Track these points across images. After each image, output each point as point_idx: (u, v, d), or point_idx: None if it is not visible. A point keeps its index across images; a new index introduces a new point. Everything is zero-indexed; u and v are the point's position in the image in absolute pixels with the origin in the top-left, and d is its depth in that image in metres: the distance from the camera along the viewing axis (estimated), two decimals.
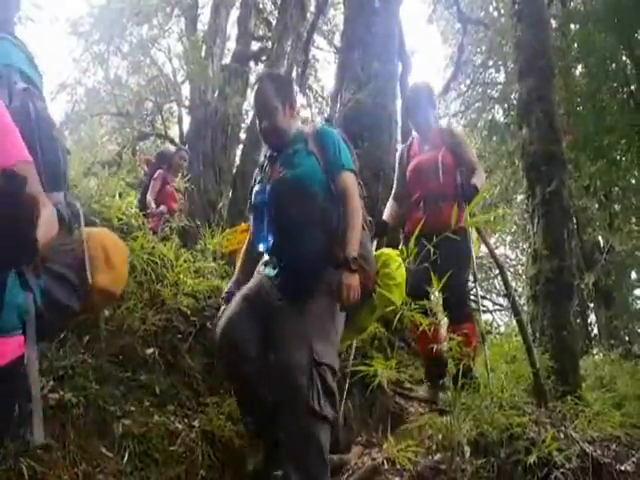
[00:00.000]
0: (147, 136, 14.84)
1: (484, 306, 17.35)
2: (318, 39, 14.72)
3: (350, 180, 2.33)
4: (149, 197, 6.07)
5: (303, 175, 2.28)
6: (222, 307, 2.47)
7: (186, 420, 2.52)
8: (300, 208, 2.20)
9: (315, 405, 1.91)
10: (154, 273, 3.00)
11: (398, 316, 2.50)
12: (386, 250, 2.63)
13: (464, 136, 3.90)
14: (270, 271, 2.32)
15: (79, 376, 2.31)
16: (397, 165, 4.04)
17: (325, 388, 1.95)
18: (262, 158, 2.60)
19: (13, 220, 1.10)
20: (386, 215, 3.90)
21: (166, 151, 7.45)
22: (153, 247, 3.04)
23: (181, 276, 3.18)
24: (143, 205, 5.90)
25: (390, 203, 3.96)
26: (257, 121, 2.51)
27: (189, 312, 2.96)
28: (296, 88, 2.62)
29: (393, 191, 3.99)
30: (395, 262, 2.53)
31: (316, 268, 2.18)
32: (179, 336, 2.88)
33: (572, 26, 10.42)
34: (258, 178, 2.48)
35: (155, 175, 6.29)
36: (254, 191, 2.39)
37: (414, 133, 4.07)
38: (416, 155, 3.85)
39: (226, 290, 2.55)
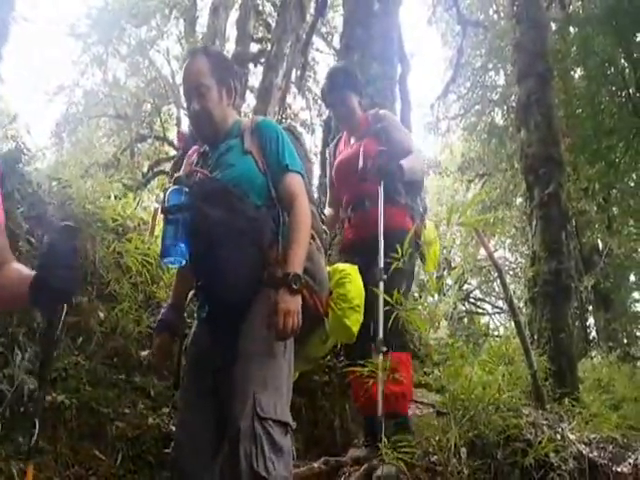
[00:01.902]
0: (145, 138, 14.84)
1: (483, 309, 17.45)
2: (317, 41, 14.72)
3: (296, 183, 1.93)
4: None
5: (234, 178, 1.88)
6: (155, 340, 2.06)
7: None
8: (224, 217, 1.79)
9: (261, 470, 1.57)
10: (149, 274, 2.99)
11: (393, 316, 2.35)
12: (342, 266, 2.19)
13: (394, 119, 3.12)
14: (201, 313, 1.95)
15: (72, 378, 2.30)
16: (328, 166, 3.36)
17: (273, 446, 1.61)
18: (194, 156, 2.21)
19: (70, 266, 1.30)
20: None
21: None
22: (148, 248, 3.03)
23: None
24: None
25: (327, 211, 3.30)
26: (186, 103, 2.08)
27: (185, 314, 2.94)
28: (238, 72, 2.11)
29: (327, 197, 3.33)
30: (353, 280, 2.13)
31: (242, 290, 1.79)
32: (174, 338, 2.86)
33: (571, 29, 10.45)
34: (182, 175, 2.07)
35: (190, 151, 5.97)
36: (168, 191, 1.93)
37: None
38: (342, 151, 3.18)
39: (159, 318, 2.09)
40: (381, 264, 2.57)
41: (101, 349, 2.54)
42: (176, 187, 1.90)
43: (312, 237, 1.97)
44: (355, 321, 2.07)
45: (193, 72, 2.02)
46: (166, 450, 2.32)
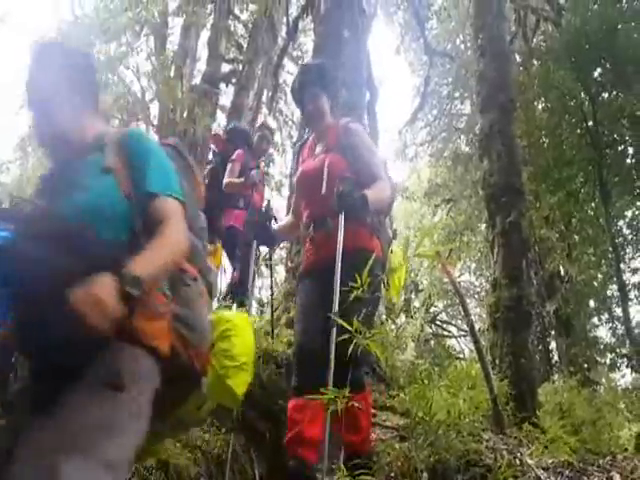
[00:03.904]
0: None
1: (449, 331, 17.63)
2: (288, 64, 14.92)
3: (169, 208, 1.51)
4: (227, 180, 4.58)
5: (86, 205, 1.43)
6: None
7: None
8: (57, 261, 1.29)
9: None
10: None
11: (353, 344, 2.13)
12: (228, 314, 1.84)
13: (365, 135, 2.85)
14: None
15: None
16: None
17: None
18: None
19: None
20: (278, 226, 3.04)
21: (241, 127, 5.48)
22: None
23: None
24: (214, 192, 4.49)
25: (286, 217, 3.08)
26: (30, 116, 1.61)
27: None
28: (94, 70, 1.71)
29: (292, 207, 3.04)
30: (240, 333, 1.77)
31: (80, 354, 1.29)
32: None
33: (535, 62, 10.87)
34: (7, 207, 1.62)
35: (234, 156, 4.68)
36: None
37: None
38: (306, 159, 2.89)
39: None
40: (336, 300, 2.29)
41: None
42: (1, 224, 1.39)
43: (194, 279, 1.59)
44: (241, 382, 1.74)
45: (36, 74, 1.58)
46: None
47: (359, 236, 2.52)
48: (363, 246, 2.50)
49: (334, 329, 2.22)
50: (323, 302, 2.17)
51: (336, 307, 2.28)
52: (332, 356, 2.21)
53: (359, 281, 2.19)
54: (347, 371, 2.16)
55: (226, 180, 4.59)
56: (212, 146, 5.51)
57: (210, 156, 5.62)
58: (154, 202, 1.50)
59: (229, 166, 4.65)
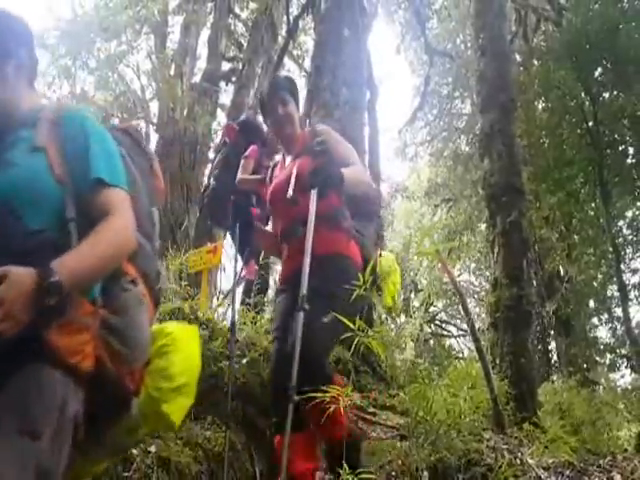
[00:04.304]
0: None
1: (448, 331, 17.65)
2: (288, 63, 14.90)
3: (116, 199, 1.35)
4: (240, 176, 4.38)
5: (10, 185, 1.27)
6: None
7: (142, 445, 2.44)
8: None
9: None
10: None
11: (356, 341, 2.11)
12: (170, 327, 1.58)
13: (334, 133, 2.63)
14: None
15: None
16: None
17: None
18: None
19: None
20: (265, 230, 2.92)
21: (254, 120, 5.19)
22: None
23: None
24: (225, 186, 4.36)
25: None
26: None
27: None
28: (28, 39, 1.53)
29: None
30: (180, 349, 1.51)
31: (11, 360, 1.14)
32: None
33: (535, 61, 10.87)
34: None
35: (247, 152, 4.50)
36: None
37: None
38: (278, 176, 2.70)
39: None
40: (304, 290, 2.12)
41: None
42: None
43: (132, 281, 1.39)
44: (178, 408, 1.48)
45: None
46: (126, 474, 2.26)
47: (334, 241, 2.35)
48: (339, 251, 2.34)
49: (301, 313, 2.08)
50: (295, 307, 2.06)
51: (304, 290, 2.12)
52: (298, 345, 2.04)
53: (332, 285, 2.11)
54: (318, 368, 2.09)
55: (240, 176, 4.28)
56: (220, 135, 5.29)
57: (212, 150, 5.39)
58: (99, 192, 1.34)
59: (242, 162, 4.39)
